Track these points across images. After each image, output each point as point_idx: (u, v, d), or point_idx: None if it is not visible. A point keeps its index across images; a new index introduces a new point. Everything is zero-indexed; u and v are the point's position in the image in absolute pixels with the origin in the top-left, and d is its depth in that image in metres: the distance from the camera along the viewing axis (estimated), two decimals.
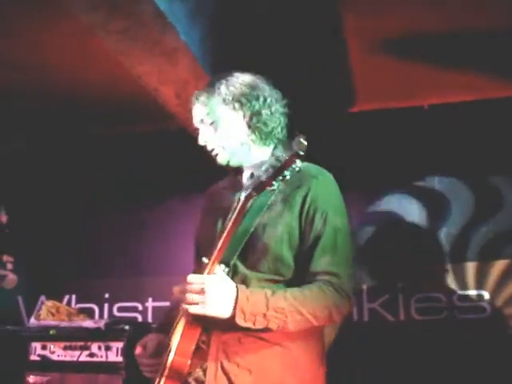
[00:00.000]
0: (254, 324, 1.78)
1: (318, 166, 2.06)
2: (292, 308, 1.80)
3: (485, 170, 4.30)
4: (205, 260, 1.84)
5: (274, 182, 1.74)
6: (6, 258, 4.38)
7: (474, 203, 4.29)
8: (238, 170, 2.14)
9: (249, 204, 1.90)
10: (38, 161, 5.15)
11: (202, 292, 1.73)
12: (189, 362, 1.79)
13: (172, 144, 4.78)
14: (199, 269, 1.88)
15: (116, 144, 5.06)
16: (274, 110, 2.05)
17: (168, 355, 1.81)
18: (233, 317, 1.76)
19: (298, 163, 1.72)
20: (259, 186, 1.78)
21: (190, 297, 1.75)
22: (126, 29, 2.87)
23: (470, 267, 4.22)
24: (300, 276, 1.92)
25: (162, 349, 1.94)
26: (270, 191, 1.83)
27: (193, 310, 1.75)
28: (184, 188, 4.74)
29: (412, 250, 4.26)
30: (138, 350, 2.06)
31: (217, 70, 3.47)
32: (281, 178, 1.73)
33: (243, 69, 3.67)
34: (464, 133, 4.36)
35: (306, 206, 1.93)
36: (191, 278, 1.78)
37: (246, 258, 1.92)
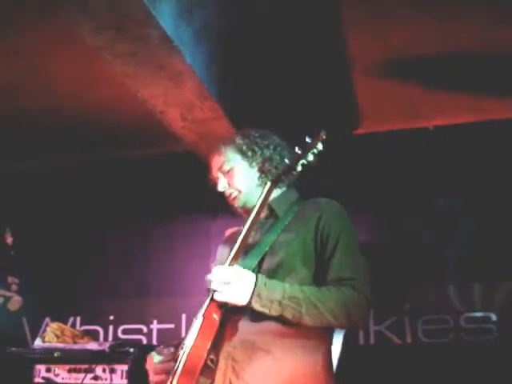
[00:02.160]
0: (269, 310, 1.93)
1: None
2: (307, 300, 1.94)
3: (490, 190, 4.29)
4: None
5: (299, 163, 2.07)
6: (11, 279, 4.40)
7: (480, 224, 4.28)
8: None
9: (266, 226, 2.17)
10: (43, 183, 5.16)
11: (226, 282, 1.91)
12: (205, 355, 1.88)
13: (178, 166, 4.80)
14: None
15: (122, 166, 5.08)
16: (284, 156, 2.26)
17: (183, 352, 1.89)
18: (250, 302, 1.92)
19: (320, 146, 2.06)
20: (288, 168, 2.10)
21: (215, 285, 1.92)
22: (132, 52, 2.89)
23: (477, 289, 4.19)
24: None
25: (175, 358, 1.99)
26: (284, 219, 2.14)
27: (218, 296, 1.92)
28: (189, 210, 4.74)
29: (418, 272, 4.24)
30: (155, 356, 2.13)
31: (222, 93, 3.50)
32: (304, 160, 2.06)
33: (247, 89, 3.71)
34: (469, 153, 4.36)
35: (321, 225, 2.13)
36: (216, 268, 1.95)
37: (262, 272, 2.05)
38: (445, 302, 4.22)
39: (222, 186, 2.29)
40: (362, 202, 4.15)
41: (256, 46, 3.57)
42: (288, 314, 1.93)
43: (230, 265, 1.96)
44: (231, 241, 2.26)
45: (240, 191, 2.26)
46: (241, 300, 1.92)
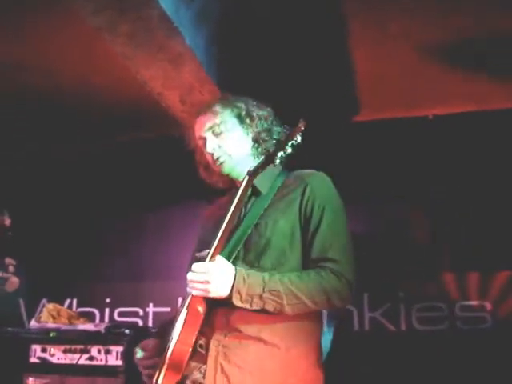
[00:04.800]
0: (250, 305, 1.88)
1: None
2: (288, 291, 1.88)
3: (488, 179, 4.30)
4: (207, 250, 1.91)
5: (277, 156, 1.95)
6: (8, 260, 4.40)
7: (477, 213, 4.28)
8: (232, 186, 2.23)
9: (249, 204, 2.06)
10: (41, 166, 5.17)
11: (205, 281, 1.84)
12: (190, 349, 1.84)
13: (175, 150, 4.78)
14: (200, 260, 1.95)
15: (119, 150, 5.07)
16: (280, 131, 2.17)
17: (169, 346, 1.85)
18: (230, 297, 1.86)
19: (298, 138, 1.94)
20: (265, 161, 1.98)
21: (193, 284, 1.86)
22: (132, 33, 2.89)
23: (473, 277, 4.21)
24: (301, 267, 2.01)
25: (161, 350, 1.95)
26: (267, 195, 2.04)
27: (197, 293, 1.86)
28: (186, 194, 4.74)
29: (414, 260, 4.26)
30: (138, 352, 2.08)
31: (221, 76, 3.49)
32: (283, 152, 1.94)
33: (247, 74, 3.70)
34: (468, 143, 4.36)
35: (305, 199, 2.04)
36: (195, 266, 1.87)
37: (247, 254, 1.99)
38: (440, 290, 4.24)
39: (210, 147, 2.13)
40: (360, 190, 4.15)
41: (256, 31, 3.55)
42: (269, 307, 1.88)
43: (211, 258, 1.88)
44: (213, 219, 2.21)
45: (231, 156, 2.13)
46: (221, 295, 1.86)
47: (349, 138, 4.46)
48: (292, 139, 1.95)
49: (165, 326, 2.12)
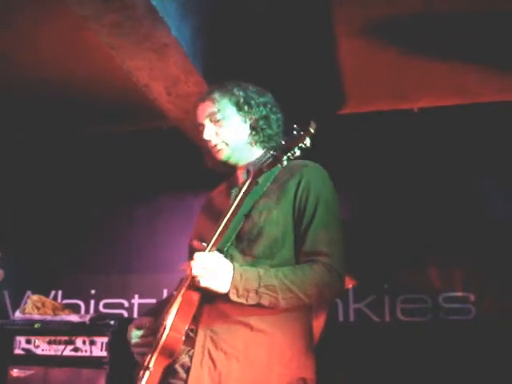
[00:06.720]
0: (246, 300, 1.89)
1: (305, 160, 2.14)
2: (283, 286, 1.91)
3: (473, 172, 4.33)
4: (204, 244, 1.93)
5: (284, 157, 1.86)
6: None
7: (461, 206, 4.31)
8: (231, 172, 2.27)
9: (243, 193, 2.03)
10: (26, 157, 5.14)
11: (207, 268, 1.86)
12: (183, 338, 1.87)
13: (163, 142, 4.79)
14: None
15: (107, 141, 5.06)
16: (278, 118, 2.23)
17: (162, 332, 1.88)
18: (227, 293, 1.88)
19: (308, 142, 1.84)
20: (272, 162, 1.89)
21: (196, 271, 1.86)
22: (117, 23, 2.87)
23: (457, 269, 4.24)
24: (293, 257, 2.04)
25: (155, 330, 1.99)
26: (263, 183, 2.02)
27: (199, 283, 1.86)
28: (173, 186, 4.75)
29: (399, 252, 4.28)
30: (134, 331, 2.10)
31: (207, 67, 3.49)
32: (290, 154, 1.85)
33: (233, 66, 3.70)
34: (453, 136, 4.39)
35: (300, 190, 2.06)
36: (198, 255, 1.89)
37: (241, 243, 2.03)
38: (424, 281, 4.26)
39: (208, 134, 2.17)
40: (344, 183, 4.16)
41: (241, 22, 3.55)
42: (265, 302, 1.91)
43: (210, 250, 1.90)
44: (210, 209, 2.26)
45: (227, 144, 2.17)
46: (221, 289, 1.88)
47: (333, 131, 4.46)
48: (301, 142, 1.85)
49: (158, 305, 2.17)
